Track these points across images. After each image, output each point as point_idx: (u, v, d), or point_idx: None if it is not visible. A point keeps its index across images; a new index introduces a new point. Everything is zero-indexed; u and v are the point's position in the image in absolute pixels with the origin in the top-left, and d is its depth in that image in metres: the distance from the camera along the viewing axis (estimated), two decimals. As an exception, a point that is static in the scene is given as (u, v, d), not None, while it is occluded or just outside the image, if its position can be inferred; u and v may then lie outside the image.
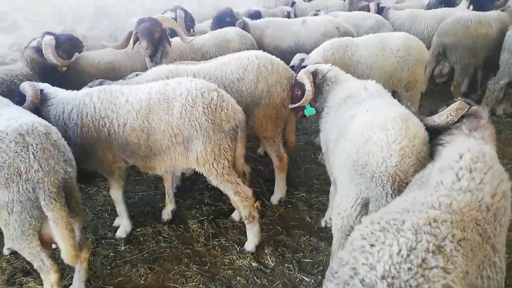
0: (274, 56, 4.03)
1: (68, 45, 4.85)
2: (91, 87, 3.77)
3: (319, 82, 3.46)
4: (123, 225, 3.86)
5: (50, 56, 4.55)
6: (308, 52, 5.76)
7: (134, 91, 3.24)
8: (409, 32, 6.79)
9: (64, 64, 4.70)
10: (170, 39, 4.60)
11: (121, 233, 3.84)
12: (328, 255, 3.43)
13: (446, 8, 7.10)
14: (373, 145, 2.47)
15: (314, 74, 3.50)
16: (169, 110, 3.11)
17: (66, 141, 3.31)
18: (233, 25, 5.72)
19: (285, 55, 4.13)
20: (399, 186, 2.39)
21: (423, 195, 1.98)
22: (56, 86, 3.65)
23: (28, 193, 2.46)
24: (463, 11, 6.67)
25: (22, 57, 4.72)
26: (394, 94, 4.95)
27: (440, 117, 2.68)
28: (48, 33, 4.77)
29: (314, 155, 5.26)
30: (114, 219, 4.07)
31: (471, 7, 6.69)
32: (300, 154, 5.31)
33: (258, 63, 3.85)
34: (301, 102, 3.50)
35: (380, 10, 7.06)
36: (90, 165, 3.56)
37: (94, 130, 3.23)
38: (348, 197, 2.64)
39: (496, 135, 2.65)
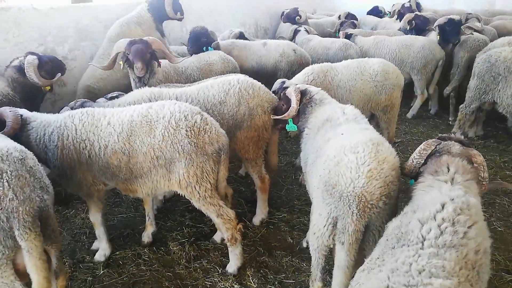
0: (255, 80, 4.13)
1: (51, 66, 4.84)
2: (73, 107, 3.78)
3: (305, 102, 3.60)
4: (101, 248, 3.78)
5: (33, 75, 4.53)
6: (268, 71, 6.29)
7: (116, 114, 3.25)
8: (374, 57, 7.21)
9: (46, 84, 4.68)
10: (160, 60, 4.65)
11: (99, 256, 3.76)
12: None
13: (409, 36, 7.47)
14: (343, 167, 2.57)
15: (303, 93, 3.65)
16: (152, 132, 3.12)
17: (47, 162, 3.27)
18: (209, 45, 5.82)
19: (248, 75, 4.34)
20: (364, 207, 2.48)
21: (410, 256, 1.89)
22: (37, 106, 3.61)
23: (1, 223, 2.34)
24: (430, 40, 7.09)
25: (3, 76, 4.67)
26: (373, 116, 5.13)
27: (407, 162, 2.71)
28: (31, 53, 4.75)
29: (295, 176, 5.34)
30: (93, 242, 3.98)
31: (438, 37, 7.09)
32: (281, 175, 5.37)
33: (239, 87, 3.93)
34: (282, 116, 3.67)
35: (347, 37, 7.46)
36: (69, 187, 3.51)
37: (75, 152, 3.21)
38: (321, 217, 2.72)
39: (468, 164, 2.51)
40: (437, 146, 2.63)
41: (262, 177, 4.12)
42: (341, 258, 2.62)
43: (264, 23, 10.81)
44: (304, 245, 3.86)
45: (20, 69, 4.59)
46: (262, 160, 4.16)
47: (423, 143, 2.70)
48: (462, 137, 2.69)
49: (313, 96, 3.60)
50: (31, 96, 4.71)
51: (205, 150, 3.16)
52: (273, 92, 4.26)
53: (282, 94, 3.87)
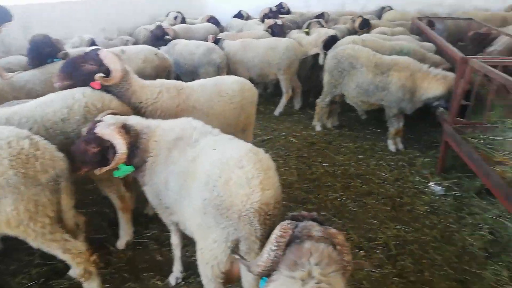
0: (105, 92, 3.80)
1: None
2: None
3: (132, 139, 2.95)
4: None
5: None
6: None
7: None
8: (242, 60, 7.43)
9: None
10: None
11: None
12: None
13: (273, 38, 7.91)
14: (234, 185, 2.43)
15: (126, 130, 2.95)
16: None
17: None
18: (54, 55, 5.18)
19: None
20: (265, 219, 2.43)
21: None
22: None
23: None
24: (292, 41, 7.58)
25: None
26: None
27: (262, 257, 2.03)
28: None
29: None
30: None
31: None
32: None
33: (85, 101, 3.55)
34: (112, 165, 2.92)
35: (216, 41, 7.54)
36: None
37: None
38: (217, 243, 2.53)
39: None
40: (295, 230, 2.05)
41: (122, 196, 3.82)
42: (249, 280, 2.52)
43: (129, 28, 10.24)
44: (173, 283, 3.50)
45: None
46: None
47: (277, 227, 2.08)
48: (315, 214, 2.20)
49: (137, 128, 3.01)
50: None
51: (37, 179, 2.75)
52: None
53: (89, 134, 2.97)
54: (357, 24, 9.22)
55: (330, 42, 7.27)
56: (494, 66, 4.43)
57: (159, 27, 8.42)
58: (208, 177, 2.52)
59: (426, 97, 5.62)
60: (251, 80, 7.80)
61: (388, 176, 5.42)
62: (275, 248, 1.99)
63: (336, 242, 2.02)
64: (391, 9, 11.14)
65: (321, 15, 10.97)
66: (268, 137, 6.79)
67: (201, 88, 4.34)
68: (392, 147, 6.18)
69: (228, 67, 7.46)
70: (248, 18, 11.36)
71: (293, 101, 8.25)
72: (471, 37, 7.71)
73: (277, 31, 8.40)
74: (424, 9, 11.33)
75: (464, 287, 3.52)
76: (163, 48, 7.50)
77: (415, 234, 4.21)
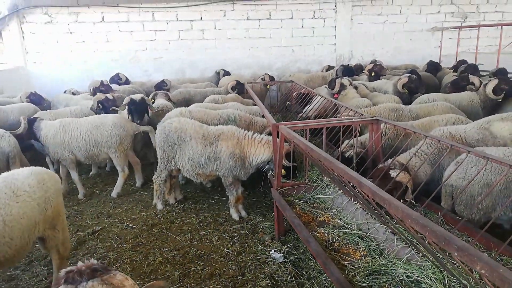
0: None
1: None
2: None
3: None
4: None
5: None
6: None
7: None
8: (63, 141, 6.62)
9: None
10: None
11: None
12: None
13: (98, 115, 7.33)
14: None
15: None
16: None
17: None
18: None
19: None
20: None
21: None
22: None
23: None
24: (119, 117, 7.07)
25: None
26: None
27: None
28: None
29: None
30: None
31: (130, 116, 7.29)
32: None
33: None
34: None
35: (32, 121, 6.62)
36: None
37: None
38: None
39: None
40: None
41: None
42: None
43: None
44: None
45: None
46: None
47: None
48: (95, 261, 1.86)
49: None
50: None
51: None
52: None
53: None
54: (229, 87, 9.48)
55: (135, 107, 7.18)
56: (301, 130, 4.67)
57: None
58: None
59: (256, 162, 5.65)
60: (79, 163, 6.96)
61: (230, 251, 5.09)
62: None
63: None
64: (225, 73, 11.71)
65: (162, 83, 10.89)
66: (100, 227, 5.89)
67: None
68: (235, 215, 5.98)
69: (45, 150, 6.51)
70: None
71: (135, 178, 7.59)
72: (294, 97, 8.45)
73: (109, 106, 7.79)
74: (257, 73, 12.28)
75: None
76: None
77: (256, 320, 3.86)
